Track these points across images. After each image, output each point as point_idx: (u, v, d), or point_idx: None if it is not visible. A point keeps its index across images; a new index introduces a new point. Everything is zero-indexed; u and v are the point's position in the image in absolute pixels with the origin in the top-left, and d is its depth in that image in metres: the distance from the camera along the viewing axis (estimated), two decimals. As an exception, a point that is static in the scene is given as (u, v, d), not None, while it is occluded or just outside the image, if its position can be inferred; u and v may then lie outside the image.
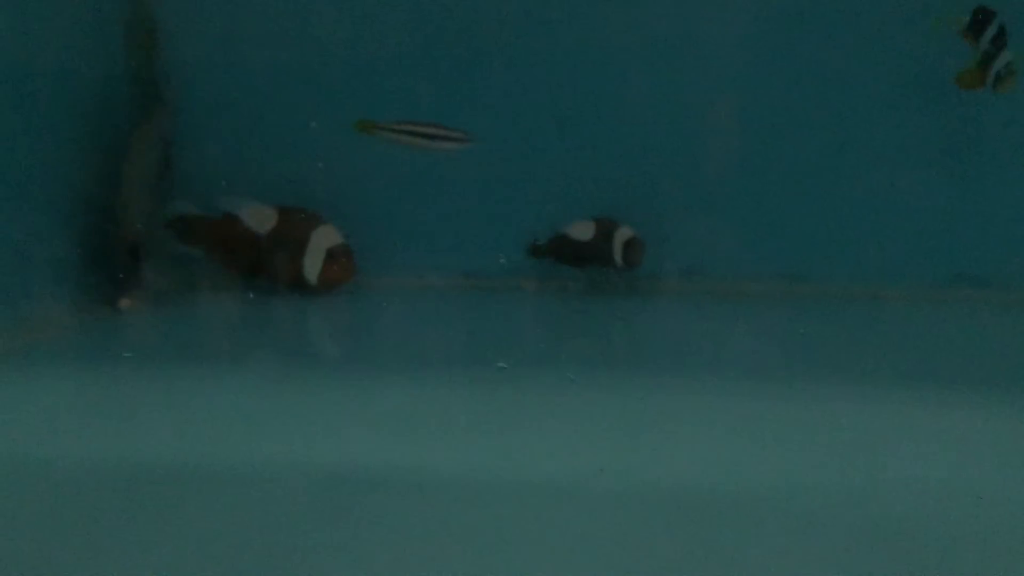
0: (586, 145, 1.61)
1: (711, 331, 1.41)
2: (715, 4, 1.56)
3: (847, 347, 1.30)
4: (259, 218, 1.54)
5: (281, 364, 1.18)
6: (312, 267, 1.53)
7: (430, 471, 0.84)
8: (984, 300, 1.56)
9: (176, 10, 1.61)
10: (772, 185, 1.60)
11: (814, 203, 1.60)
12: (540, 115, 1.61)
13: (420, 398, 1.05)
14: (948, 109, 1.53)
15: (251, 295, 1.55)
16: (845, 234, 1.60)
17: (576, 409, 1.01)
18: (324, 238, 1.53)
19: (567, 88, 1.60)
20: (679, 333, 1.41)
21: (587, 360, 1.24)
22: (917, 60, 1.53)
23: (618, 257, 1.56)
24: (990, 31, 1.38)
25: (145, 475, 0.83)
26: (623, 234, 1.56)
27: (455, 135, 1.45)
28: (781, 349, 1.28)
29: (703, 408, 1.02)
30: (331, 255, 1.53)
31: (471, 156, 1.57)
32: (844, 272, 1.60)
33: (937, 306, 1.56)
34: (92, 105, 1.45)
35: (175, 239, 1.56)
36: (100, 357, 1.23)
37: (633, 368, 1.18)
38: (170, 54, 1.61)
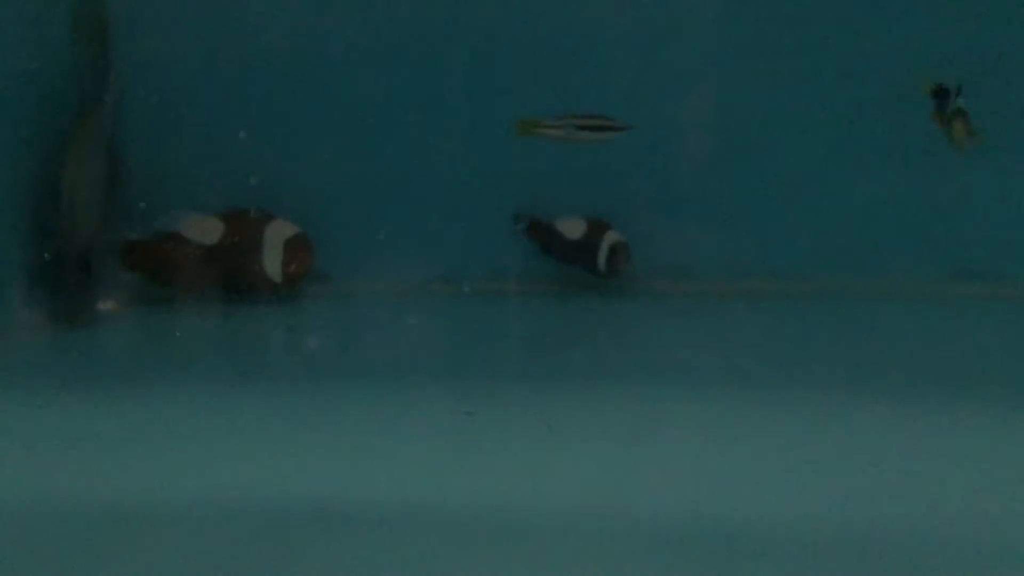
0: (569, 145, 1.53)
1: (703, 335, 1.35)
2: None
3: (847, 349, 1.25)
4: (203, 230, 1.46)
5: (238, 383, 1.10)
6: (273, 263, 1.46)
7: (395, 505, 0.76)
8: (987, 295, 1.50)
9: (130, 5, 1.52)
10: (765, 180, 1.54)
11: (809, 198, 1.53)
12: (520, 115, 1.53)
13: (386, 420, 0.96)
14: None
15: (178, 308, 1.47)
16: (842, 229, 1.53)
17: (558, 427, 0.93)
18: (278, 232, 1.46)
19: (550, 87, 1.52)
20: (667, 338, 1.35)
21: (569, 371, 1.16)
22: (917, 53, 1.47)
23: (602, 263, 1.48)
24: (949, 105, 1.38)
25: (82, 513, 0.75)
26: (610, 238, 1.48)
27: (617, 124, 1.39)
28: (778, 353, 1.22)
29: (695, 422, 0.95)
30: (289, 246, 1.46)
31: (450, 156, 1.51)
32: (841, 268, 1.53)
33: (938, 302, 1.50)
34: (35, 105, 1.35)
35: (124, 267, 1.48)
36: (43, 378, 1.14)
37: (619, 380, 1.11)
38: (122, 52, 1.51)
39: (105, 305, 1.40)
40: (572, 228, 1.51)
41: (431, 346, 1.30)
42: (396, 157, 1.55)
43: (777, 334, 1.34)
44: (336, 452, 0.88)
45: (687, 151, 1.53)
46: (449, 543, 0.69)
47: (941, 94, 1.37)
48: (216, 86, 1.54)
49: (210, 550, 0.68)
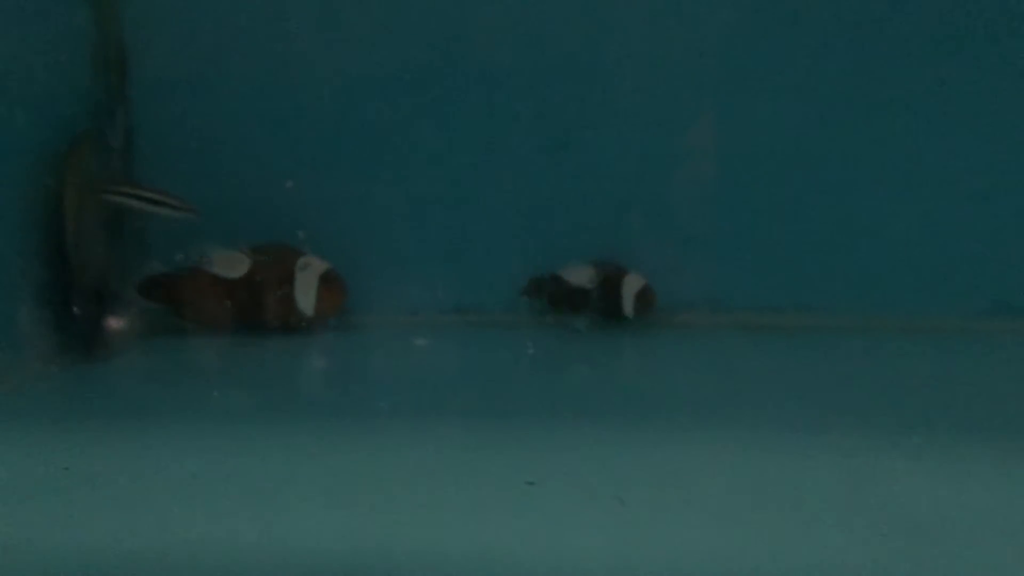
0: (584, 175, 1.51)
1: (725, 371, 1.30)
2: (729, 26, 1.46)
3: (879, 388, 1.19)
4: (229, 263, 1.44)
5: (249, 422, 1.07)
6: (307, 299, 1.44)
7: (406, 557, 0.73)
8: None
9: (146, 36, 1.51)
10: (793, 210, 1.49)
11: (840, 229, 1.48)
12: (535, 143, 1.51)
13: (402, 465, 0.93)
14: (984, 126, 1.42)
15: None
16: (874, 262, 1.48)
17: (584, 473, 0.89)
18: (311, 267, 1.45)
19: (564, 114, 1.50)
20: (691, 374, 1.30)
21: (587, 411, 1.11)
22: (951, 77, 1.42)
23: (629, 308, 1.46)
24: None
25: (85, 564, 0.72)
26: (633, 283, 1.46)
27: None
28: (806, 392, 1.17)
29: (711, 468, 0.90)
30: (324, 282, 1.45)
31: (464, 185, 1.49)
32: (873, 303, 1.48)
33: (975, 338, 1.43)
34: (47, 131, 1.33)
35: (146, 300, 1.47)
36: (51, 416, 1.12)
37: (638, 421, 1.06)
38: (136, 81, 1.51)
39: (121, 338, 1.38)
40: (579, 275, 1.47)
41: (451, 381, 1.26)
42: (413, 187, 1.53)
43: (806, 373, 1.28)
44: (352, 501, 0.84)
45: (713, 182, 1.49)
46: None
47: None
48: (234, 116, 1.53)
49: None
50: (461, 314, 1.56)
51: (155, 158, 1.51)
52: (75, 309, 1.30)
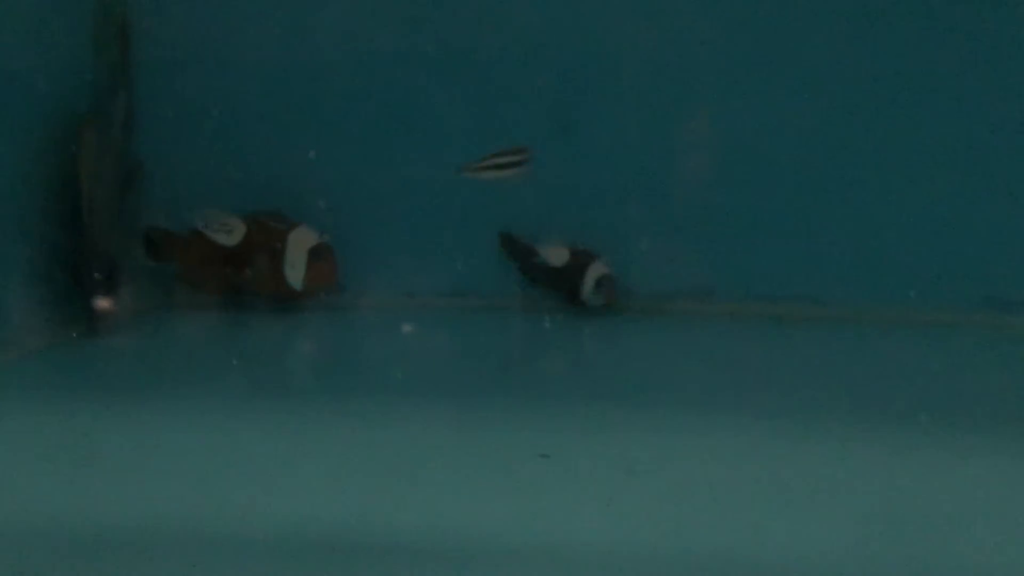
0: (583, 160, 1.52)
1: (720, 359, 1.32)
2: (729, 15, 1.47)
3: (869, 379, 1.21)
4: (225, 229, 1.44)
5: (248, 399, 1.08)
6: (295, 272, 1.44)
7: (406, 532, 0.74)
8: (1017, 326, 1.45)
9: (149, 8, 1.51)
10: (789, 202, 1.50)
11: (833, 221, 1.50)
12: (536, 128, 1.51)
13: (399, 443, 0.94)
14: (979, 121, 1.44)
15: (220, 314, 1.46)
16: (867, 255, 1.50)
17: (567, 455, 0.91)
18: (302, 240, 1.44)
19: (567, 101, 1.51)
20: (681, 362, 1.32)
21: (574, 395, 1.13)
22: (947, 71, 1.44)
23: (588, 294, 1.46)
24: None
25: (89, 537, 0.73)
26: (596, 270, 1.46)
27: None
28: (797, 382, 1.19)
29: (704, 455, 0.92)
30: (314, 255, 1.44)
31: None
32: (865, 295, 1.50)
33: (965, 331, 1.45)
34: (50, 106, 1.33)
35: (146, 257, 1.48)
36: (59, 388, 1.13)
37: (626, 404, 1.08)
38: (140, 55, 1.51)
39: (127, 311, 1.39)
40: (555, 255, 1.48)
41: (444, 363, 1.28)
42: (410, 168, 1.54)
43: (798, 362, 1.30)
44: (346, 476, 0.85)
45: (708, 170, 1.50)
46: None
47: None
48: (233, 94, 1.53)
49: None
50: (458, 297, 1.56)
51: (157, 133, 1.51)
52: (91, 280, 1.30)
